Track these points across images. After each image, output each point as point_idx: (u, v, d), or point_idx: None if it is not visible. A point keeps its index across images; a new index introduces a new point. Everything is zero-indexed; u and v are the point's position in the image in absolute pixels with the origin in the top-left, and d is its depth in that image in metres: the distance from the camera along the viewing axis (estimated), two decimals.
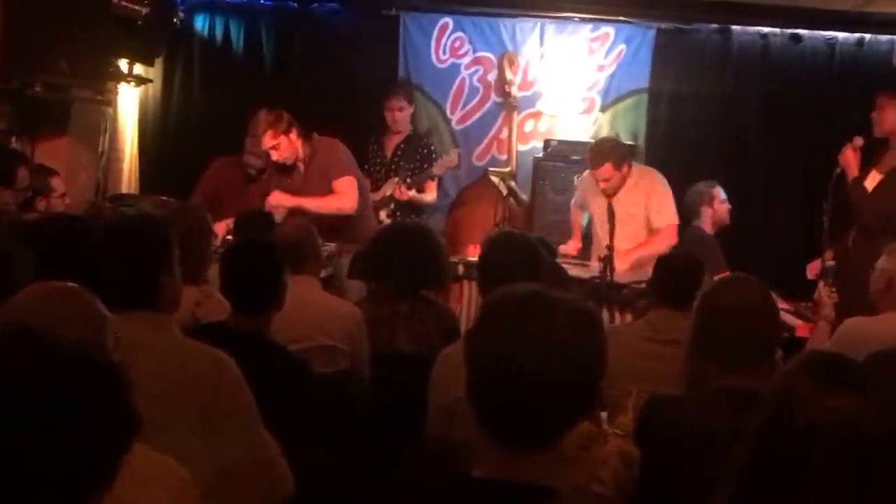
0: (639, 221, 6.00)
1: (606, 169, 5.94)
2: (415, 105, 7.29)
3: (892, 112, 5.32)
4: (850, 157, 5.39)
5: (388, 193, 6.76)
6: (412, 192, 6.75)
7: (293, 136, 5.90)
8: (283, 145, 5.89)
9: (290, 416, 3.11)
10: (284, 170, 6.01)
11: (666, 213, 6.03)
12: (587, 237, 6.51)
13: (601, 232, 6.09)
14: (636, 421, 2.70)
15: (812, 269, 5.57)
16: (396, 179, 6.78)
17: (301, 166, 6.00)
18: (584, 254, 6.38)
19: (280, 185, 6.02)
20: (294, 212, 5.78)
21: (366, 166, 6.81)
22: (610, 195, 5.97)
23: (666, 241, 5.94)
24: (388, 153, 6.99)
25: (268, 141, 5.87)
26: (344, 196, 5.96)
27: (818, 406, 1.69)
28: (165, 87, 7.84)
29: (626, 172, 6.01)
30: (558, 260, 5.36)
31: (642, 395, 2.90)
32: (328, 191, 5.95)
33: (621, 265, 5.56)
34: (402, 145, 6.98)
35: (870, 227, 5.22)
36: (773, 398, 1.77)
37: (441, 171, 6.95)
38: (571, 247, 6.35)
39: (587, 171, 6.23)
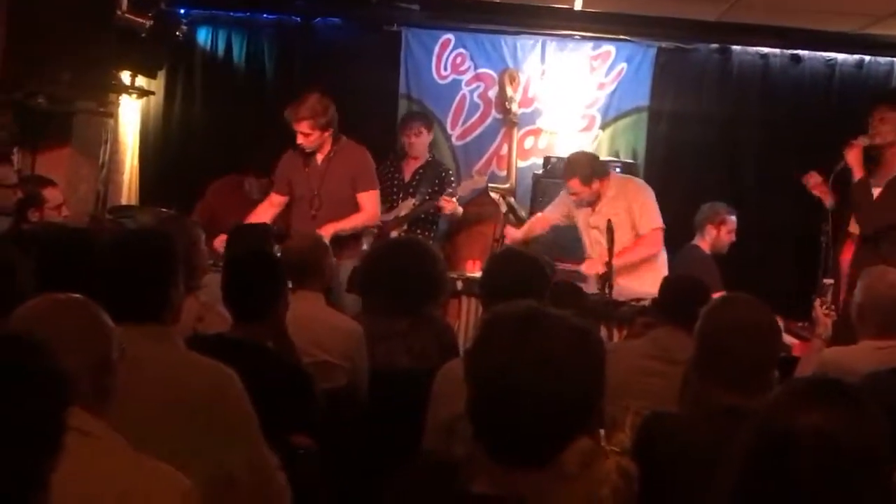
0: (622, 231, 5.91)
1: (574, 183, 6.03)
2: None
3: (892, 124, 5.30)
4: (857, 155, 5.33)
5: (402, 214, 6.76)
6: (454, 202, 6.73)
7: (327, 133, 5.97)
8: (313, 139, 5.96)
9: (290, 426, 3.12)
10: (305, 155, 6.07)
11: (648, 218, 6.02)
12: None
13: (587, 240, 6.19)
14: (635, 438, 2.70)
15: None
16: (413, 201, 6.79)
17: (319, 158, 6.04)
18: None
19: (299, 175, 6.09)
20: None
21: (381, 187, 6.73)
22: (583, 206, 6.10)
23: (651, 246, 5.99)
24: (407, 177, 6.98)
25: (304, 128, 5.91)
26: (369, 211, 6.10)
27: (792, 421, 1.73)
28: (167, 100, 7.86)
29: (598, 188, 6.04)
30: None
31: (641, 412, 2.90)
32: (347, 193, 6.03)
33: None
34: (421, 170, 6.98)
35: (874, 234, 5.16)
36: (757, 416, 1.81)
37: (466, 192, 6.93)
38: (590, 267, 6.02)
39: None
